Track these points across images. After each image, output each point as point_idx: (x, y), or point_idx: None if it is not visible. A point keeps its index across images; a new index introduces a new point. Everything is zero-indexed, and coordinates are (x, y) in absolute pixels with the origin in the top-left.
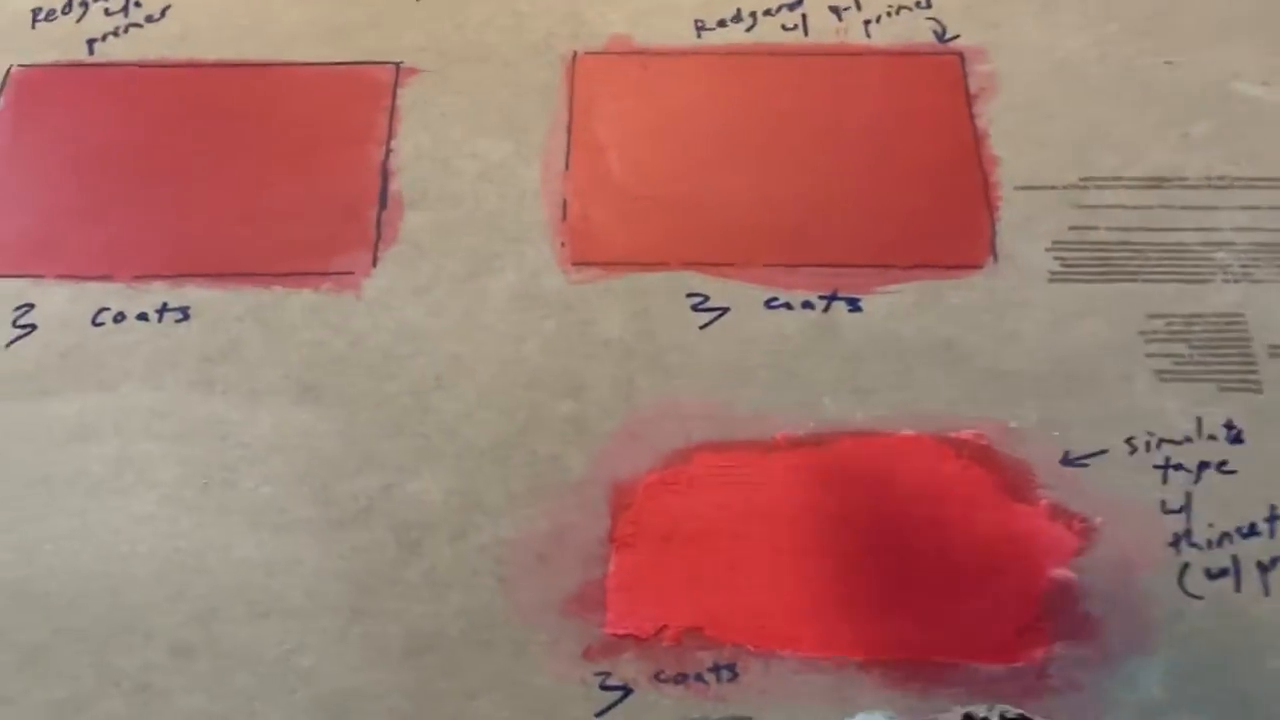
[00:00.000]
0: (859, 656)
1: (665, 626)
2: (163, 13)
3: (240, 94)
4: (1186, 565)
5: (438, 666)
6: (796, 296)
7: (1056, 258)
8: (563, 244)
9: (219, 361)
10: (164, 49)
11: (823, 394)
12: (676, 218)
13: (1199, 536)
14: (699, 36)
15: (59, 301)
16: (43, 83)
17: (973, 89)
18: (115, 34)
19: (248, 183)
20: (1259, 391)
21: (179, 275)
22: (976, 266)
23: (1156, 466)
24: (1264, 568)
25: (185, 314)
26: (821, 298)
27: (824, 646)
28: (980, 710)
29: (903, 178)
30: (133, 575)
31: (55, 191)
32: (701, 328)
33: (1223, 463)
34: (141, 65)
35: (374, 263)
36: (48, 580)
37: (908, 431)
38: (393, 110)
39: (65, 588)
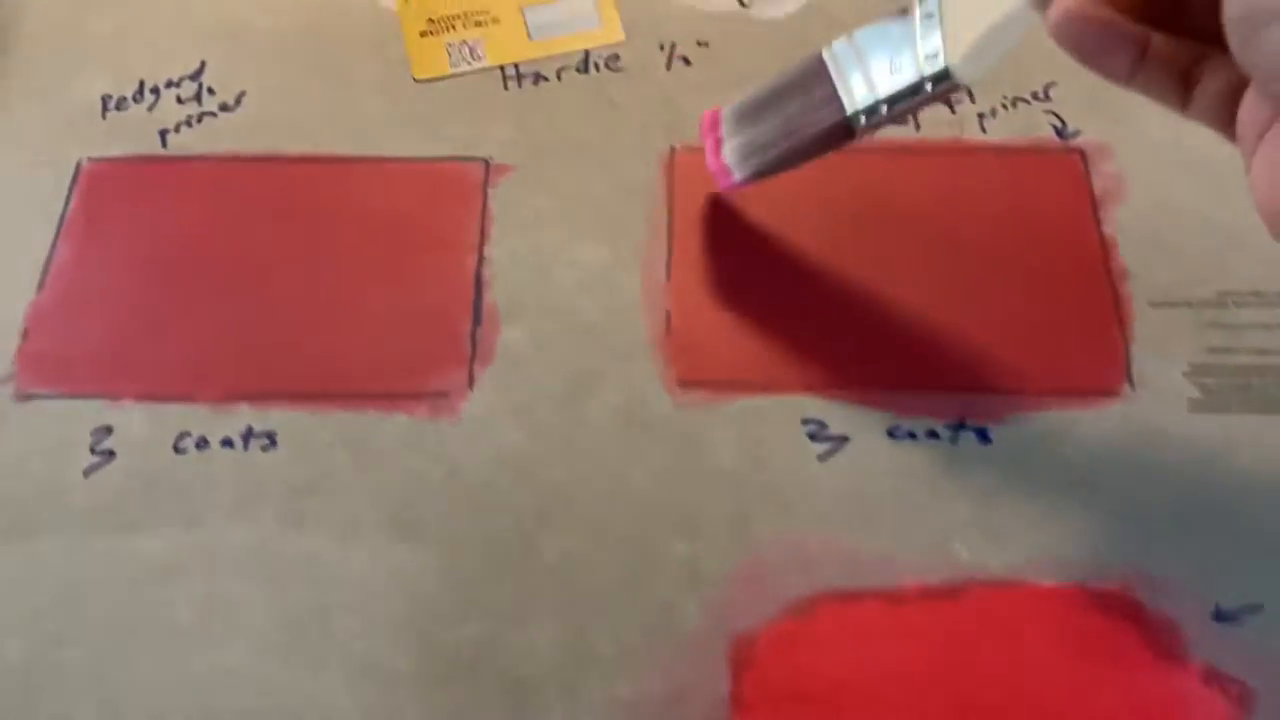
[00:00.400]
0: None
1: None
2: (238, 100)
3: (322, 191)
4: None
5: None
6: (921, 425)
7: (1196, 384)
8: (668, 362)
9: (309, 494)
10: (240, 140)
11: (954, 537)
12: (787, 334)
13: None
14: None
15: (138, 425)
16: (114, 178)
17: (1097, 191)
18: (189, 124)
19: (334, 291)
20: None
21: (264, 396)
22: (1111, 394)
23: None
24: None
25: (272, 440)
26: (948, 426)
27: None
28: None
29: (1027, 291)
30: None
31: (131, 300)
32: (820, 458)
33: None
34: (218, 159)
35: (470, 382)
36: None
37: (1046, 581)
38: (484, 211)
39: None
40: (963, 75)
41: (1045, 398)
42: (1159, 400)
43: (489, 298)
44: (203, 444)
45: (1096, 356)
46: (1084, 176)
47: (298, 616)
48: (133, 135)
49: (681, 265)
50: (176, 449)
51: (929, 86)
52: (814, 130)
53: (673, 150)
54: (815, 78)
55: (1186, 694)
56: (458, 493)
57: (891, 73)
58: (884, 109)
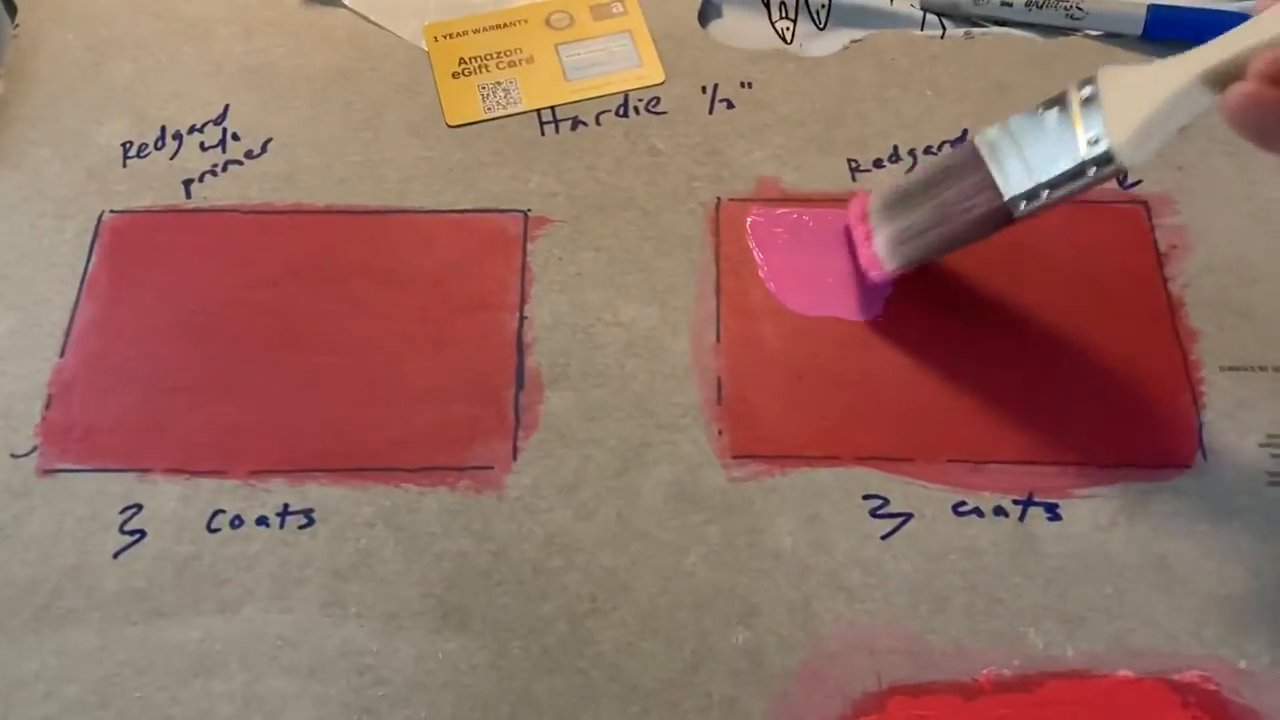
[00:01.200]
0: None
1: None
2: (264, 147)
3: (355, 246)
4: None
5: None
6: (987, 501)
7: (1274, 455)
8: (720, 432)
9: (351, 578)
10: (268, 190)
11: (1028, 624)
12: (845, 401)
13: None
14: (854, 179)
15: (170, 502)
16: (137, 231)
17: (1162, 246)
18: (214, 172)
19: (369, 356)
20: None
21: (300, 470)
22: (1184, 466)
23: None
24: None
25: (309, 518)
26: (1016, 502)
27: None
28: None
29: (1092, 355)
30: None
31: (158, 364)
32: (883, 538)
33: None
34: (245, 211)
35: (514, 454)
36: None
37: (1125, 672)
38: (524, 268)
39: None
40: (1127, 159)
41: (1114, 469)
42: (1234, 472)
43: (531, 361)
44: (237, 522)
45: (1167, 426)
46: (1148, 230)
47: (343, 713)
48: (155, 185)
49: (732, 326)
50: (210, 528)
51: (1092, 171)
52: (971, 216)
53: (719, 201)
54: (968, 164)
55: None
56: (505, 576)
57: (1051, 157)
58: (1045, 193)
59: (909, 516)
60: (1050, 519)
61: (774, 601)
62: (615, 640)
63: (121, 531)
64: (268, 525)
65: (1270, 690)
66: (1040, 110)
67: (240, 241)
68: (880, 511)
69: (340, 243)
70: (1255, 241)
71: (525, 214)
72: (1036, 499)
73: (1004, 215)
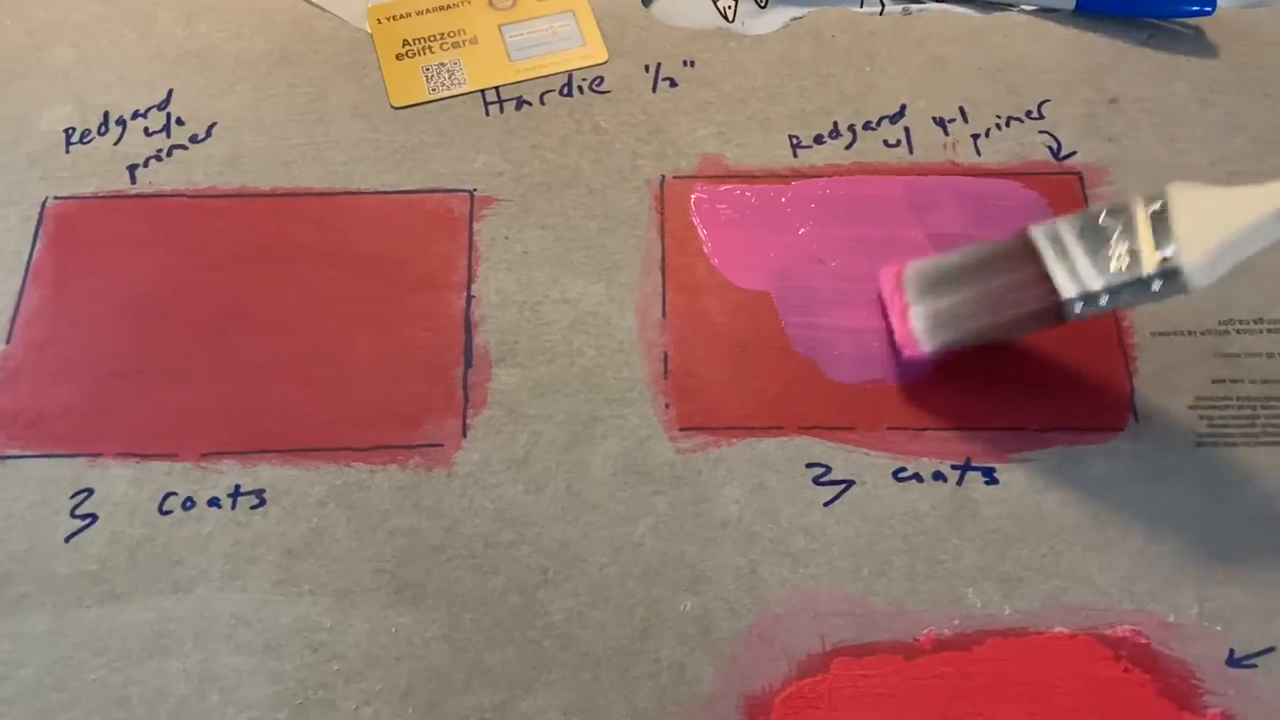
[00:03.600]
0: None
1: None
2: (208, 131)
3: (302, 229)
4: None
5: None
6: (926, 467)
7: (1202, 416)
8: (667, 405)
9: (303, 556)
10: (213, 175)
11: (966, 585)
12: (788, 371)
13: None
14: (795, 155)
15: (121, 486)
16: (82, 217)
17: None
18: (158, 157)
19: (318, 337)
20: None
21: (251, 451)
22: (1117, 429)
23: None
24: None
25: (261, 499)
26: (954, 467)
27: None
28: None
29: None
30: None
31: (106, 350)
32: (826, 504)
33: None
34: (189, 196)
35: (464, 431)
36: None
37: (1060, 629)
38: (471, 248)
39: None
40: (1196, 280)
41: (1049, 434)
42: (1165, 434)
43: (479, 339)
44: (189, 504)
45: (1100, 390)
46: (1082, 200)
47: (299, 688)
48: (100, 171)
49: (677, 301)
50: (162, 510)
51: (1158, 285)
52: (1020, 311)
53: (663, 179)
54: (1022, 255)
55: None
56: (457, 551)
57: (1115, 265)
58: (1104, 299)
59: (851, 483)
60: (988, 483)
61: (721, 569)
62: (566, 610)
63: (73, 516)
64: (219, 506)
65: (1198, 641)
66: (1103, 215)
67: (186, 226)
68: (823, 479)
69: (287, 225)
70: None
71: (471, 194)
72: (974, 464)
73: (1056, 315)
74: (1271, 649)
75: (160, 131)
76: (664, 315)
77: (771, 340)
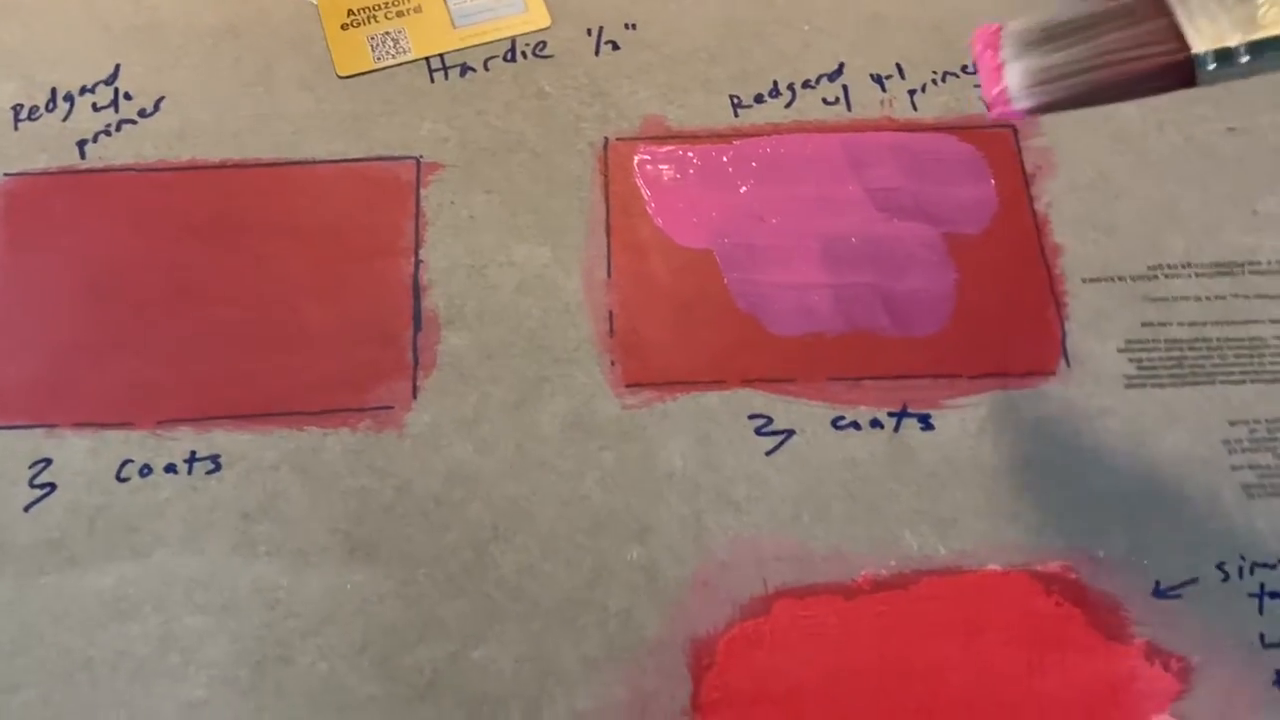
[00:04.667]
0: None
1: None
2: (156, 105)
3: (251, 200)
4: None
5: None
6: (863, 415)
7: (1131, 359)
8: (613, 363)
9: (259, 519)
10: (162, 148)
11: (903, 527)
12: (730, 327)
13: None
14: (736, 115)
15: (79, 455)
16: (34, 194)
17: (1029, 167)
18: (107, 133)
19: (269, 306)
20: None
21: (204, 419)
22: (1048, 373)
23: (1251, 595)
24: None
25: (216, 464)
26: (891, 415)
27: None
28: None
29: (963, 269)
30: None
31: (60, 323)
32: (768, 454)
33: None
34: (140, 170)
35: (414, 393)
36: None
37: (993, 566)
38: (418, 213)
39: None
40: None
41: (983, 380)
42: (1095, 377)
43: (428, 303)
44: (146, 471)
45: (1032, 336)
46: (1015, 152)
47: (257, 646)
48: (49, 147)
49: (622, 262)
50: (119, 478)
51: None
52: (1139, 67)
53: (606, 141)
54: (1148, 7)
55: (1131, 671)
56: (409, 509)
57: (1263, 17)
58: (1243, 57)
59: (791, 433)
60: (923, 429)
61: (666, 519)
62: (517, 564)
63: (31, 485)
64: (176, 472)
65: (1126, 576)
66: None
67: (137, 200)
68: (765, 430)
69: (236, 197)
70: (1115, 160)
71: (418, 161)
72: (910, 410)
73: (1184, 73)
74: (1195, 580)
75: (108, 107)
76: (609, 276)
77: (714, 297)
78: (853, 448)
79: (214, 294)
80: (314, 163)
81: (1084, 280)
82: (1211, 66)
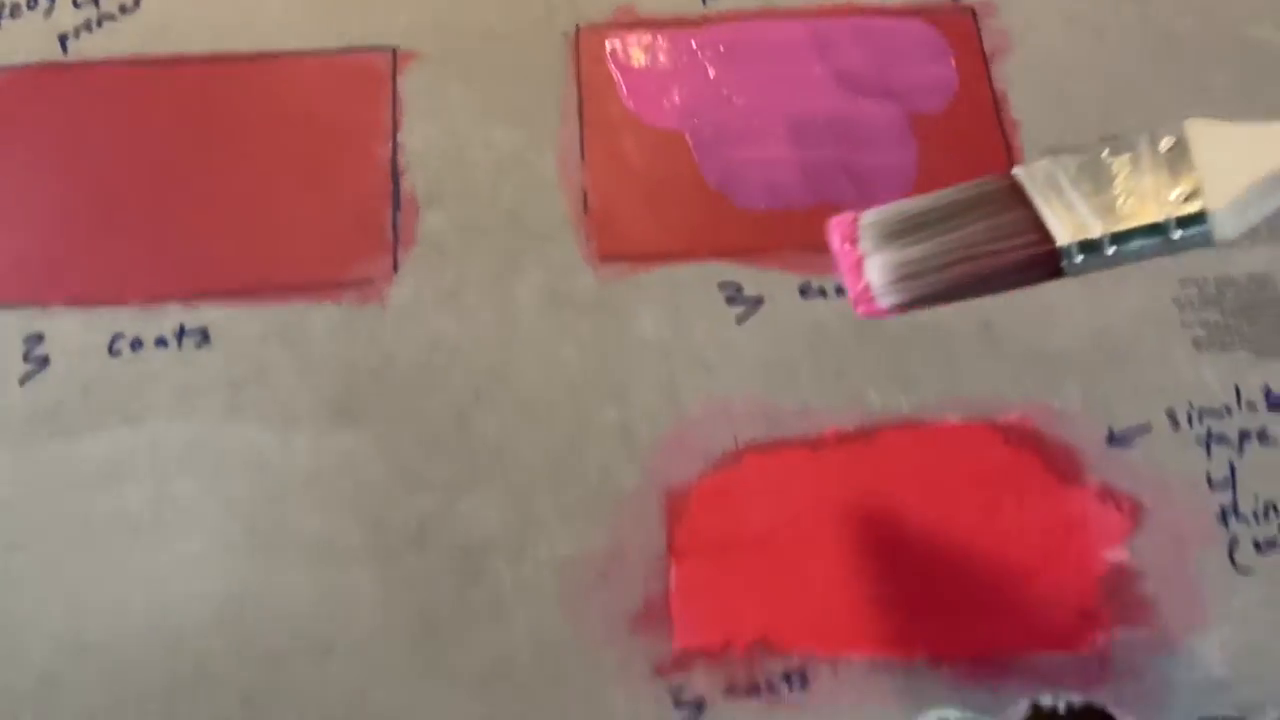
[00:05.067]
0: (926, 654)
1: (733, 637)
2: (137, 2)
3: (232, 90)
4: (1235, 539)
5: (510, 693)
6: (830, 282)
7: None
8: (588, 238)
9: (248, 387)
10: (143, 42)
11: (867, 385)
12: (701, 203)
13: (1245, 509)
14: (704, 3)
15: (71, 330)
16: (19, 87)
17: (988, 48)
18: (88, 28)
19: (251, 188)
20: None
21: (193, 294)
22: None
23: (1199, 440)
24: None
25: (205, 336)
26: None
27: (891, 646)
28: (1047, 699)
29: (925, 145)
30: (189, 622)
31: (50, 207)
32: (738, 321)
33: (1263, 432)
34: (122, 64)
35: (395, 268)
36: (101, 632)
37: (954, 419)
38: (395, 100)
39: (121, 639)
40: (1224, 228)
41: None
42: None
43: (406, 184)
44: (137, 344)
45: None
46: (975, 33)
47: (248, 505)
48: (31, 43)
49: (595, 143)
50: (111, 351)
51: (1177, 233)
52: (1004, 260)
53: (578, 29)
54: (1006, 198)
55: (1084, 511)
56: (393, 378)
57: (1124, 208)
58: (1109, 248)
59: (761, 301)
60: None
61: (641, 383)
62: (498, 425)
63: (26, 360)
64: (166, 345)
65: (1080, 425)
66: (1104, 153)
67: (120, 93)
68: (735, 298)
69: (218, 89)
70: (1069, 39)
71: (394, 51)
72: None
73: (1049, 265)
74: (1146, 427)
75: (90, 2)
76: (583, 156)
77: (685, 175)
78: (820, 313)
79: (199, 179)
80: (294, 54)
81: (1041, 152)
82: (1078, 259)
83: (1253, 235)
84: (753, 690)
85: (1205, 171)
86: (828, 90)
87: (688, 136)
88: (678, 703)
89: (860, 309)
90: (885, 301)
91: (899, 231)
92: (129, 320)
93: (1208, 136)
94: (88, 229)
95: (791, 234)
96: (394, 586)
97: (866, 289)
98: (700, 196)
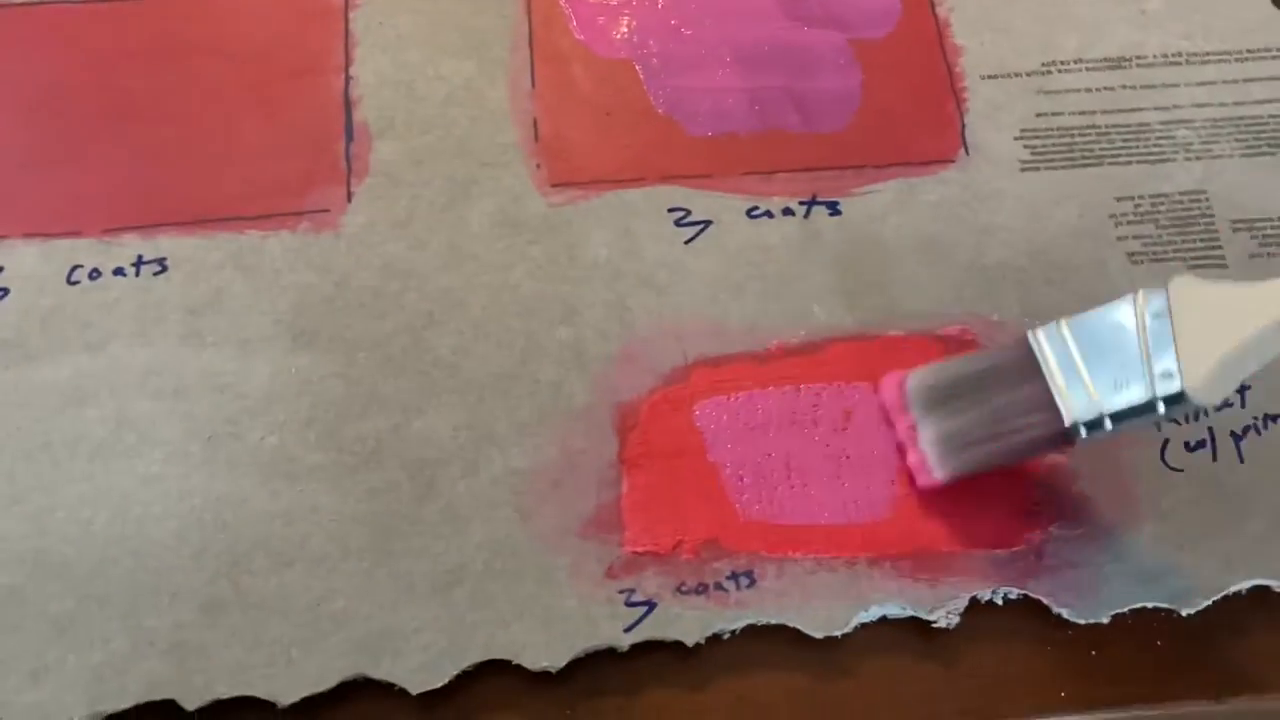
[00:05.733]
0: (868, 553)
1: (682, 540)
2: None
3: (186, 28)
4: (1167, 441)
5: (466, 599)
6: (776, 204)
7: (1026, 146)
8: (538, 165)
9: (205, 313)
10: None
11: (812, 301)
12: (649, 130)
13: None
14: None
15: (30, 262)
16: None
17: None
18: None
19: (206, 122)
20: (1224, 266)
21: (150, 225)
22: (949, 160)
23: None
24: (1237, 437)
25: (163, 265)
26: (801, 203)
27: (835, 546)
28: (985, 594)
29: (869, 72)
30: (151, 536)
31: (6, 145)
32: (686, 243)
33: None
34: (70, 3)
35: (349, 197)
36: (65, 547)
37: (896, 332)
38: (347, 34)
39: (85, 554)
40: (1202, 400)
41: (887, 169)
42: (993, 163)
43: (359, 116)
44: (95, 274)
45: (935, 129)
46: None
47: (208, 425)
48: None
49: (545, 72)
50: (70, 281)
51: (1161, 408)
52: (1027, 437)
53: None
54: (1024, 371)
55: None
56: (348, 301)
57: (1117, 383)
58: (1108, 424)
59: (709, 223)
60: (831, 214)
61: (592, 302)
62: (452, 345)
63: None
64: (124, 275)
65: (1019, 333)
66: (1105, 318)
67: (71, 30)
68: (684, 221)
69: (167, 25)
70: None
71: None
72: (820, 199)
73: (1065, 440)
74: None
75: None
76: (533, 86)
77: (634, 103)
78: (766, 234)
79: (152, 112)
80: None
81: (982, 77)
82: (1084, 434)
83: (1185, 151)
84: (701, 589)
85: (1185, 341)
86: (774, 19)
87: (637, 66)
88: (630, 603)
89: (920, 480)
90: (939, 476)
91: (939, 401)
92: (87, 251)
93: (1189, 299)
94: (42, 162)
95: (739, 159)
96: (352, 501)
97: (923, 462)
98: (650, 123)
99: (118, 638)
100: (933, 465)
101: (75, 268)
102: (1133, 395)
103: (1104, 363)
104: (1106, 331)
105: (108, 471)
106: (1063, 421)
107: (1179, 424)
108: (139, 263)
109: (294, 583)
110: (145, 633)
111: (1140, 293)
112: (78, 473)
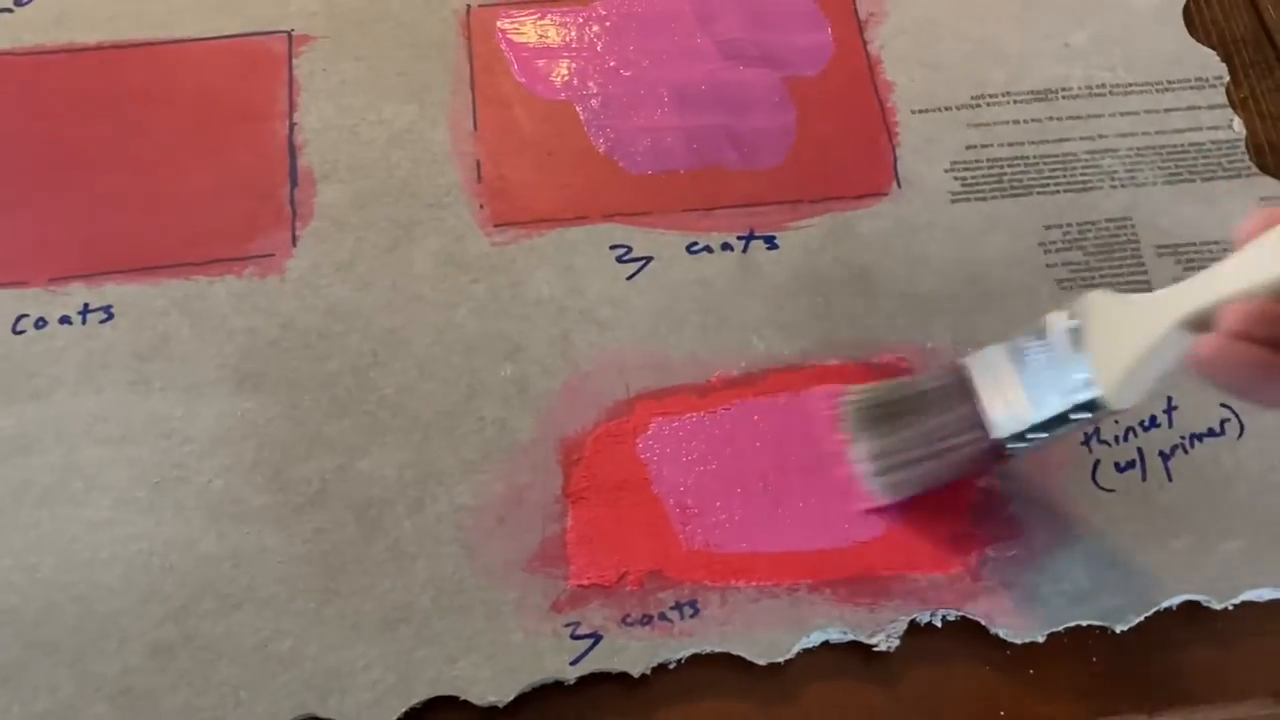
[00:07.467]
0: (809, 579)
1: (626, 572)
2: None
3: (131, 78)
4: (1098, 462)
5: (413, 636)
6: (715, 239)
7: (956, 178)
8: (481, 206)
9: (151, 359)
10: (40, 34)
11: (751, 333)
12: (590, 169)
13: (1106, 433)
14: None
15: None
16: None
17: (862, 15)
18: None
19: (152, 171)
20: (1150, 289)
21: (96, 273)
22: (882, 194)
23: None
24: (1165, 456)
25: (109, 313)
26: (740, 238)
27: (776, 574)
28: (924, 616)
29: (803, 109)
30: (99, 581)
31: None
32: (628, 279)
33: None
34: (20, 54)
35: (293, 242)
36: (10, 595)
37: (834, 361)
38: (291, 81)
39: (31, 601)
40: (1115, 404)
41: (822, 203)
42: (924, 195)
43: (303, 161)
44: (41, 323)
45: (868, 163)
46: (850, 2)
47: (155, 470)
48: None
49: (487, 115)
50: (15, 331)
51: (1078, 416)
52: (960, 455)
53: (469, 8)
54: (955, 393)
55: None
56: (293, 343)
57: (1038, 398)
58: (1032, 435)
59: (649, 259)
60: (769, 248)
61: (536, 339)
62: (397, 385)
63: None
64: (70, 323)
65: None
66: (1027, 339)
67: (18, 82)
68: (625, 257)
69: (114, 75)
70: (941, 4)
71: (289, 34)
72: (757, 234)
73: (996, 455)
74: None
75: None
76: (475, 128)
77: (575, 144)
78: (705, 268)
79: (99, 162)
80: (189, 40)
81: (913, 112)
82: (1011, 447)
83: (1110, 179)
84: (645, 620)
85: (1098, 351)
86: (710, 60)
87: (577, 107)
88: (575, 635)
89: (856, 502)
90: (882, 495)
91: (873, 420)
92: (33, 301)
93: (1100, 313)
94: None
95: (679, 196)
96: (298, 542)
97: (856, 480)
98: (590, 163)
99: (65, 685)
100: (867, 483)
101: (21, 317)
102: (1052, 406)
103: (1026, 381)
104: (1029, 351)
105: (54, 518)
106: (990, 438)
107: (1110, 446)
108: (85, 310)
109: (242, 624)
110: (92, 679)
111: (1055, 312)
112: (25, 520)
